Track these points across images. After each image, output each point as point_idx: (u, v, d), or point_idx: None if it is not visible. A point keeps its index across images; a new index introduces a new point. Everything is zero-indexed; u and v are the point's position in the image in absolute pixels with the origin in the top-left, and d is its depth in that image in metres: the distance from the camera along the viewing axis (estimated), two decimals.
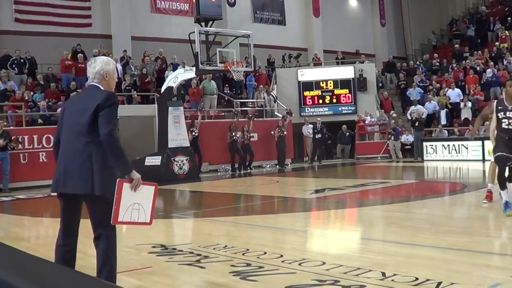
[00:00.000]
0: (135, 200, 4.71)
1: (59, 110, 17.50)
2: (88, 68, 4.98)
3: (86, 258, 5.01)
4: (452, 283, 5.03)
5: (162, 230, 9.73)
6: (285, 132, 23.58)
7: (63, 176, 4.72)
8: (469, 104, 25.13)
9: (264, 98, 25.93)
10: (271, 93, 26.55)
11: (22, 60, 22.21)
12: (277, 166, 23.61)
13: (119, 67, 23.08)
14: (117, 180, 4.59)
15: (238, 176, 20.83)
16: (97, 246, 4.77)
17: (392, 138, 24.49)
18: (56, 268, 3.11)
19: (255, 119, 23.73)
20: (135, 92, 22.77)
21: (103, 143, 4.57)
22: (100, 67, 4.92)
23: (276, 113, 26.37)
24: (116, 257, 4.84)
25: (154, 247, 7.34)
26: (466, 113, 25.06)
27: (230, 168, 22.39)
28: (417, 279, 5.20)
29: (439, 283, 5.03)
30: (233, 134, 22.03)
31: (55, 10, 25.13)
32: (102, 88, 4.88)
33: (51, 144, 17.61)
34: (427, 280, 5.15)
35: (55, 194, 4.89)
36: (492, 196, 9.89)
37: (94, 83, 4.91)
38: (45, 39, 24.04)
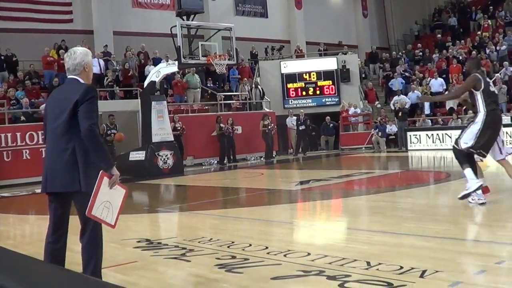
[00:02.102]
0: (107, 198, 4.62)
1: (42, 107, 17.40)
2: (68, 60, 4.87)
3: (74, 255, 4.99)
4: (436, 271, 5.04)
5: (147, 224, 9.74)
6: (270, 127, 23.64)
7: (49, 175, 4.70)
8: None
9: (250, 91, 25.92)
10: (258, 86, 26.45)
11: (2, 58, 22.05)
12: (262, 159, 23.65)
13: (102, 62, 22.99)
14: (100, 171, 4.55)
15: (222, 169, 20.82)
16: (83, 242, 4.74)
17: (379, 133, 24.49)
18: (42, 266, 3.10)
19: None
20: (117, 87, 22.67)
21: (83, 138, 4.51)
22: (81, 58, 4.84)
23: (264, 107, 26.36)
24: (102, 253, 4.83)
25: (139, 241, 7.32)
26: (451, 103, 25.11)
27: (219, 160, 22.42)
28: (401, 267, 5.21)
29: (424, 271, 5.05)
30: (222, 126, 22.05)
31: (35, 6, 24.93)
32: (81, 81, 4.80)
33: (34, 142, 17.69)
34: (412, 268, 5.16)
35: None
36: None
37: (73, 76, 4.83)
38: (26, 36, 23.83)
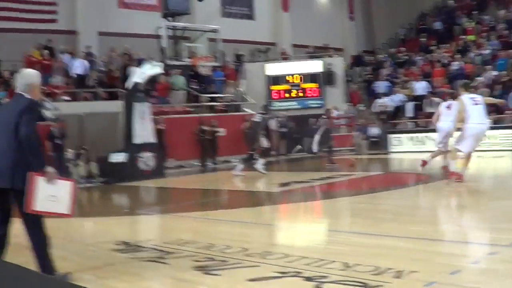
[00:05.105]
0: (52, 192, 5.29)
1: None
2: (19, 79, 5.62)
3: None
4: (412, 271, 5.08)
5: (125, 227, 9.66)
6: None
7: None
8: (439, 100, 25.09)
9: (233, 93, 25.92)
10: (238, 88, 26.44)
11: None
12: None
13: (86, 63, 22.85)
14: (29, 173, 5.15)
15: (204, 172, 20.75)
16: (30, 242, 5.31)
17: (361, 136, 24.57)
18: (7, 267, 3.06)
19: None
20: (100, 88, 22.51)
21: (22, 143, 5.18)
22: (30, 80, 5.60)
23: (244, 108, 26.36)
24: (49, 246, 5.34)
25: (117, 244, 7.27)
26: (430, 106, 25.11)
27: (201, 162, 22.36)
28: (378, 268, 5.24)
29: (400, 272, 5.09)
30: (203, 128, 22.04)
31: (18, 5, 24.69)
32: (26, 96, 5.47)
33: None
34: (389, 269, 5.20)
35: None
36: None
37: (20, 92, 5.54)
38: (8, 35, 23.56)
